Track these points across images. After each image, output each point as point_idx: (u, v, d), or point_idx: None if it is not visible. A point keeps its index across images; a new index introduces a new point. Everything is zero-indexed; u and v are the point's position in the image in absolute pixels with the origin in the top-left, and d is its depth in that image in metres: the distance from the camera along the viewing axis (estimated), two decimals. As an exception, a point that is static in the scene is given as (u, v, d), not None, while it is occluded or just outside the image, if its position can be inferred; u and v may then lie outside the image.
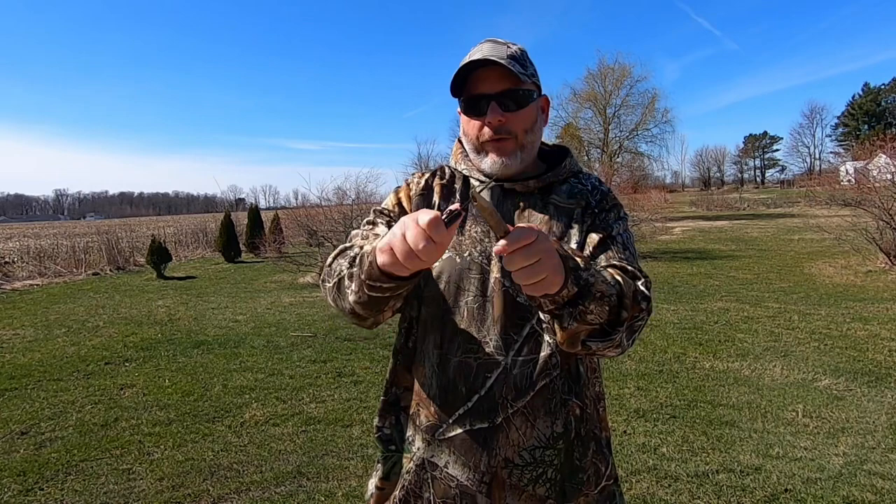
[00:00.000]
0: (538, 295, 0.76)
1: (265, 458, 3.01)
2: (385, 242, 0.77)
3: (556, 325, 0.82)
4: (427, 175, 1.11)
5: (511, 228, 0.71)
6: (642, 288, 0.87)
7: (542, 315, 0.86)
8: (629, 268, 0.91)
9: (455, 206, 0.72)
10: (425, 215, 0.71)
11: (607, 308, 0.80)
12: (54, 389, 4.23)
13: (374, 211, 1.09)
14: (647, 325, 0.91)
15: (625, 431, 3.21)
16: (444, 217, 0.70)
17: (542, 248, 0.71)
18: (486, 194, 1.03)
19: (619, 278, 0.84)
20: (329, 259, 0.99)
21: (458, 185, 1.07)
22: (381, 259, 0.78)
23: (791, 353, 4.60)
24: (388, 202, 1.10)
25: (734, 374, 4.15)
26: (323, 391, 4.03)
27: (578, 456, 0.97)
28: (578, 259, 0.80)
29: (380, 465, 1.06)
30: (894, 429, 3.15)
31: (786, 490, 2.55)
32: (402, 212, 1.06)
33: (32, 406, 3.90)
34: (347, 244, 1.01)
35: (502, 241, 0.70)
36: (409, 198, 1.08)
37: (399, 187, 1.12)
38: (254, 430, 3.40)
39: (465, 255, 0.99)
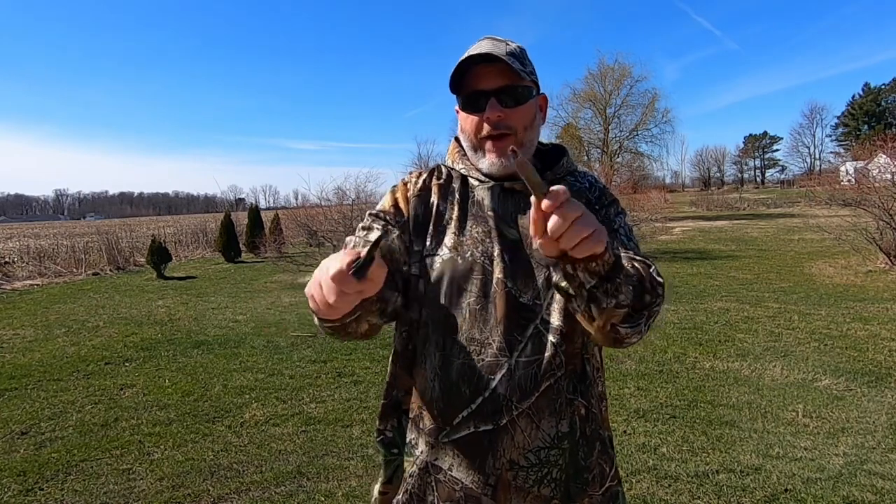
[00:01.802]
0: (587, 255, 0.72)
1: (265, 458, 3.01)
2: (308, 288, 0.77)
3: (592, 310, 0.80)
4: (424, 175, 1.09)
5: (550, 189, 0.67)
6: (654, 274, 0.87)
7: (574, 306, 0.83)
8: (637, 257, 0.91)
9: (361, 252, 0.69)
10: (334, 266, 0.69)
11: (631, 288, 0.80)
12: (54, 389, 4.23)
13: (369, 215, 1.06)
14: (661, 311, 0.90)
15: (625, 431, 3.21)
16: (350, 269, 0.68)
17: (580, 205, 0.69)
18: (485, 195, 1.02)
19: (637, 265, 0.84)
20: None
21: (455, 185, 1.06)
22: (311, 304, 0.78)
23: (791, 353, 4.60)
24: (385, 203, 1.07)
25: (734, 374, 4.15)
26: (323, 391, 4.03)
27: (584, 456, 0.96)
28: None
29: (382, 468, 1.05)
30: (894, 429, 3.15)
31: (786, 490, 2.55)
32: (399, 213, 1.03)
33: (32, 406, 3.90)
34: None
35: (547, 200, 0.66)
36: (407, 199, 1.05)
37: (396, 186, 1.09)
38: (254, 430, 3.40)
39: (467, 255, 0.97)
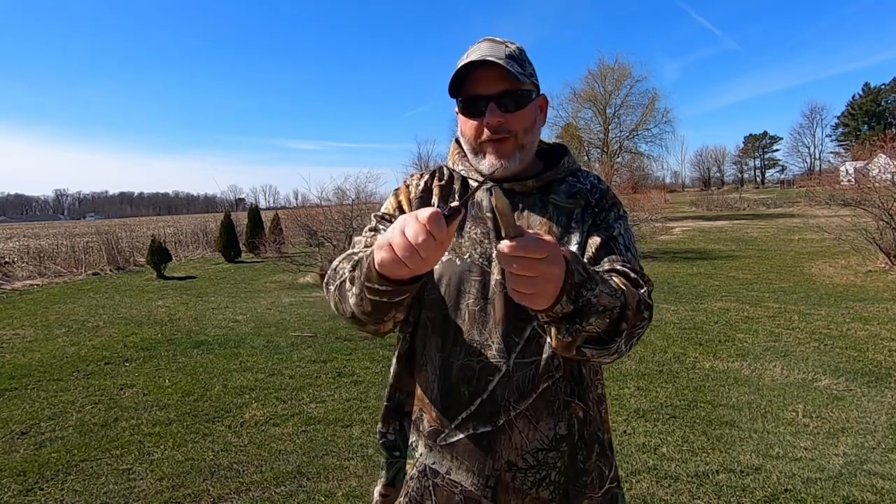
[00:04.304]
0: (521, 302, 0.74)
1: (265, 458, 3.01)
2: (384, 239, 0.74)
3: (552, 332, 0.82)
4: (426, 176, 1.10)
5: (526, 232, 0.68)
6: (645, 297, 0.86)
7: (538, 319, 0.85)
8: (632, 274, 0.90)
9: (455, 203, 0.70)
10: (426, 211, 0.69)
11: (608, 320, 0.80)
12: (54, 389, 4.23)
13: (374, 217, 1.07)
14: (647, 330, 0.90)
15: (625, 431, 3.21)
16: (444, 213, 0.69)
17: (545, 270, 0.69)
18: (484, 196, 1.02)
19: (623, 288, 0.83)
20: (334, 262, 0.97)
21: (456, 187, 1.06)
22: (380, 256, 0.75)
23: (791, 353, 4.60)
24: (389, 206, 1.08)
25: (734, 374, 4.15)
26: (323, 391, 4.03)
27: (582, 458, 0.96)
28: (585, 274, 0.77)
29: (384, 471, 1.05)
30: (894, 429, 3.15)
31: (786, 490, 2.55)
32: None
33: (32, 406, 3.90)
34: (352, 249, 1.00)
35: (507, 243, 0.67)
36: (410, 200, 1.06)
37: (398, 189, 1.10)
38: (254, 430, 3.40)
39: (466, 256, 0.97)
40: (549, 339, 0.93)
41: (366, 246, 1.01)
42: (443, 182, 1.07)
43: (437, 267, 0.98)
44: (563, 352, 0.84)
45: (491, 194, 0.67)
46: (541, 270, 0.69)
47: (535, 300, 0.72)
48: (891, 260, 8.59)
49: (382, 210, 1.09)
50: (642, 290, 0.87)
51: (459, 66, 0.96)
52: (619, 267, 0.91)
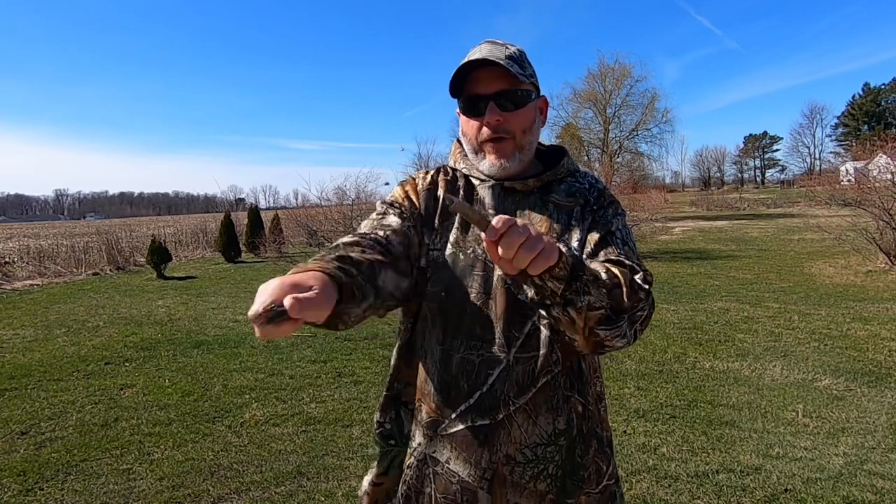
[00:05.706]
0: (543, 271, 0.75)
1: (265, 458, 3.01)
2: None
3: (571, 313, 0.81)
4: (432, 172, 1.12)
5: (491, 218, 0.72)
6: (639, 280, 0.88)
7: (554, 314, 0.84)
8: (627, 262, 0.91)
9: (280, 308, 0.63)
10: (253, 307, 0.64)
11: (605, 290, 0.81)
12: (54, 389, 4.23)
13: (382, 202, 1.07)
14: (650, 319, 0.91)
15: (625, 431, 3.21)
16: (266, 314, 0.63)
17: (526, 226, 0.73)
18: (486, 193, 1.04)
19: (614, 270, 0.85)
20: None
21: (461, 184, 1.07)
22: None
23: (791, 353, 4.60)
24: (396, 194, 1.08)
25: (734, 374, 4.15)
26: (323, 391, 4.03)
27: (580, 453, 0.97)
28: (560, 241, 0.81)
29: (376, 461, 1.06)
30: (894, 429, 3.15)
31: (786, 490, 2.55)
32: (412, 205, 1.05)
33: (32, 406, 3.90)
34: (353, 234, 0.96)
35: (488, 230, 0.71)
36: (417, 192, 1.07)
37: (405, 181, 1.11)
38: (254, 430, 3.40)
39: (469, 251, 0.99)
40: (548, 334, 0.94)
41: (369, 228, 0.99)
42: (448, 177, 1.09)
43: (440, 260, 0.99)
44: (582, 337, 0.84)
45: (452, 203, 0.69)
46: (525, 228, 0.72)
47: (550, 251, 0.74)
48: (891, 260, 8.59)
49: (389, 199, 1.08)
50: (637, 276, 0.88)
51: (460, 65, 0.97)
52: (613, 257, 0.93)
